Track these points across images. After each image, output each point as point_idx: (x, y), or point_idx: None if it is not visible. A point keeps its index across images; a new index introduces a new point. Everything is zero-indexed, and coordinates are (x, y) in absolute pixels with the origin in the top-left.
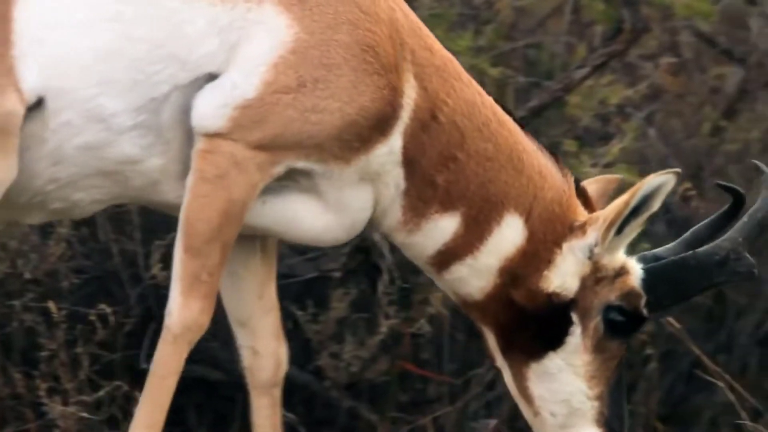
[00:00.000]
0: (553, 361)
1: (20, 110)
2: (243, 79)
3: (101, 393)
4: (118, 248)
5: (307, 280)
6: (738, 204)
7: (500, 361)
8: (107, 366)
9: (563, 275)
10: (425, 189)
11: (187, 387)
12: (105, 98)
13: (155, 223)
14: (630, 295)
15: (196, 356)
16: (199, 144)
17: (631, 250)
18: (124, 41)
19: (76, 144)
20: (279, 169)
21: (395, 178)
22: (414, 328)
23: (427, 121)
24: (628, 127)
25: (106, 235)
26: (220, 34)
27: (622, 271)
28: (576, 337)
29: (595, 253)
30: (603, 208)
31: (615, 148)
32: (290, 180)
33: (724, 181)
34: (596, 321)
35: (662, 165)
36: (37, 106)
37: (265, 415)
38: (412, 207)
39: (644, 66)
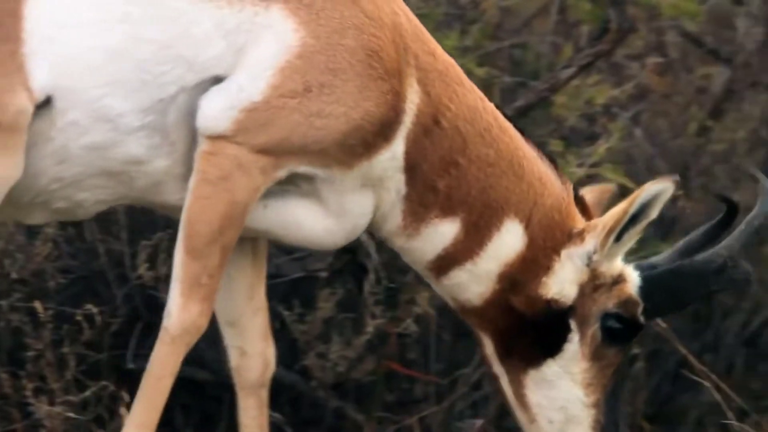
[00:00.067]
0: (551, 368)
1: (29, 108)
2: (249, 82)
3: (87, 393)
4: (105, 248)
5: (294, 280)
6: (732, 214)
7: (497, 368)
8: (93, 366)
9: (562, 282)
10: (426, 194)
11: (173, 387)
12: (113, 98)
13: (142, 223)
14: (628, 302)
15: None
16: (203, 146)
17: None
18: (132, 42)
19: (82, 143)
20: (281, 174)
21: (397, 183)
22: (400, 327)
23: (429, 126)
24: (615, 127)
25: (92, 235)
26: (227, 36)
27: (619, 279)
28: (574, 344)
29: (594, 261)
30: (598, 217)
31: (601, 148)
32: (291, 184)
33: (709, 181)
34: (594, 328)
35: (648, 165)
36: (45, 104)
37: (252, 416)
38: (413, 212)
39: (630, 66)
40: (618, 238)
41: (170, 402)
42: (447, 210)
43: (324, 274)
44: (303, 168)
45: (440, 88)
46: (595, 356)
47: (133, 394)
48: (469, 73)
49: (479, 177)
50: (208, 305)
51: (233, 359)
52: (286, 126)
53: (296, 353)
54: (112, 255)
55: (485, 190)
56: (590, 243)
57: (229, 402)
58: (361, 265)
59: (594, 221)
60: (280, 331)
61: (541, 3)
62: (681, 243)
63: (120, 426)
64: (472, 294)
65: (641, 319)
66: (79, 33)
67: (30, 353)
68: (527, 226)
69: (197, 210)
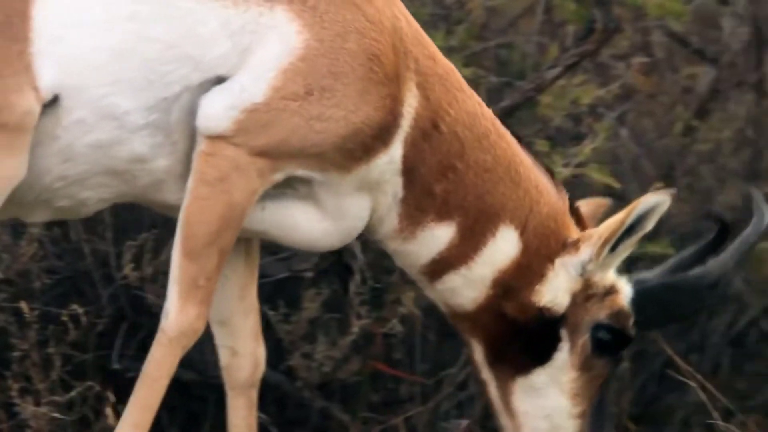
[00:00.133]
0: (540, 376)
1: (37, 109)
2: (252, 83)
3: (73, 393)
4: (90, 248)
5: (279, 280)
6: (723, 234)
7: (486, 374)
8: (79, 366)
9: (555, 290)
10: (423, 198)
11: None
12: (119, 97)
13: (127, 223)
14: (619, 314)
15: None
16: (201, 146)
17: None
18: (139, 41)
19: (87, 142)
20: (279, 176)
21: (394, 186)
22: (386, 328)
23: (428, 130)
24: (600, 127)
25: (77, 235)
26: (232, 36)
27: (612, 290)
28: (564, 354)
29: (588, 270)
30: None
31: (587, 148)
32: (289, 187)
33: (695, 181)
34: (585, 338)
35: (634, 165)
36: (51, 103)
37: (241, 416)
38: (409, 215)
39: (616, 66)
40: (613, 249)
41: None
42: (443, 214)
43: (309, 275)
44: (301, 171)
45: (440, 92)
46: (584, 366)
47: (118, 394)
48: None
49: (476, 182)
50: (205, 308)
51: (224, 359)
52: (286, 128)
53: (281, 353)
54: (98, 255)
55: (482, 196)
56: (585, 252)
57: (215, 402)
58: (346, 266)
59: (589, 231)
60: (265, 331)
61: (527, 3)
62: (672, 260)
63: (105, 426)
64: (465, 299)
65: (632, 331)
66: (86, 32)
67: (15, 353)
68: (522, 233)
69: (195, 211)
